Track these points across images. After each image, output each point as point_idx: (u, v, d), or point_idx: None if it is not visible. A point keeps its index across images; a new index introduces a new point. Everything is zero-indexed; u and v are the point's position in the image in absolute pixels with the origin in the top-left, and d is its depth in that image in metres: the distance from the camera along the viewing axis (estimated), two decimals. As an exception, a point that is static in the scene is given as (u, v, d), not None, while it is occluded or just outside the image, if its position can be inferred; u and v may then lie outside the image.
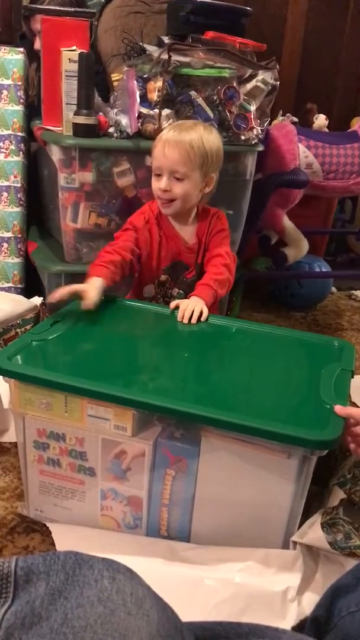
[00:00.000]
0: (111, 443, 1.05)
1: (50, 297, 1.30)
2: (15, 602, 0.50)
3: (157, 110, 1.63)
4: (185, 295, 1.47)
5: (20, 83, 1.90)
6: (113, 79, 1.79)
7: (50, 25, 1.71)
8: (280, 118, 2.47)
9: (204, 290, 1.39)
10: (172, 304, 1.36)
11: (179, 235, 1.49)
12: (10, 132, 1.92)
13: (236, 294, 2.16)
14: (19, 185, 1.96)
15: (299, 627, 0.89)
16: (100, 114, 1.69)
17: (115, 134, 1.67)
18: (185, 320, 1.29)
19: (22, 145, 1.95)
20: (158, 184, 1.40)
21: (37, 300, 1.67)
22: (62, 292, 1.27)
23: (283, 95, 2.48)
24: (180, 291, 1.52)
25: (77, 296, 1.28)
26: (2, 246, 1.97)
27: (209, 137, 1.40)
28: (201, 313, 1.31)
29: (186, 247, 1.49)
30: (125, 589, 0.52)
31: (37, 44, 1.90)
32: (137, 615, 0.50)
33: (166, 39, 1.78)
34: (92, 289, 1.29)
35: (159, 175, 1.40)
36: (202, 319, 1.31)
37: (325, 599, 0.80)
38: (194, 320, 1.30)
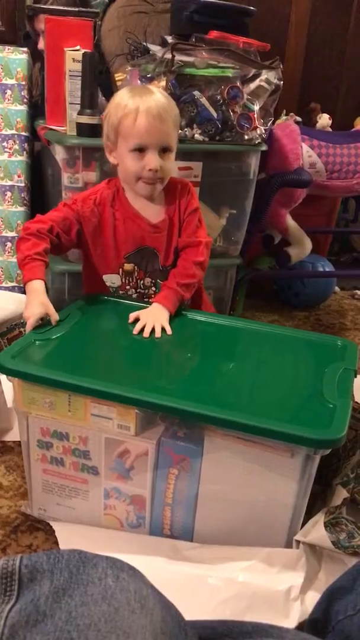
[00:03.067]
0: (114, 442, 1.06)
1: (26, 329, 1.19)
2: (20, 600, 0.50)
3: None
4: (158, 288, 1.38)
5: (24, 83, 1.90)
6: (117, 78, 1.79)
7: (54, 25, 1.71)
8: (283, 117, 2.47)
9: (170, 297, 1.27)
10: (132, 316, 1.23)
11: (140, 216, 1.33)
12: (14, 131, 1.92)
13: (239, 293, 2.16)
14: (22, 184, 1.96)
15: (299, 629, 0.89)
16: (104, 113, 1.69)
17: (118, 134, 1.67)
18: (146, 335, 1.19)
19: (26, 144, 1.95)
20: (143, 163, 1.24)
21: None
22: (31, 324, 1.16)
23: (286, 95, 2.48)
24: (158, 280, 1.38)
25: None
26: (6, 246, 1.97)
27: (167, 95, 1.29)
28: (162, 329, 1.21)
29: (151, 227, 1.33)
30: (129, 588, 0.52)
31: (41, 44, 1.90)
32: (141, 614, 0.51)
33: (170, 39, 1.77)
34: (47, 306, 1.18)
35: (141, 153, 1.24)
36: (167, 332, 1.21)
37: (322, 602, 0.80)
38: (157, 335, 1.19)
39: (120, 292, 1.41)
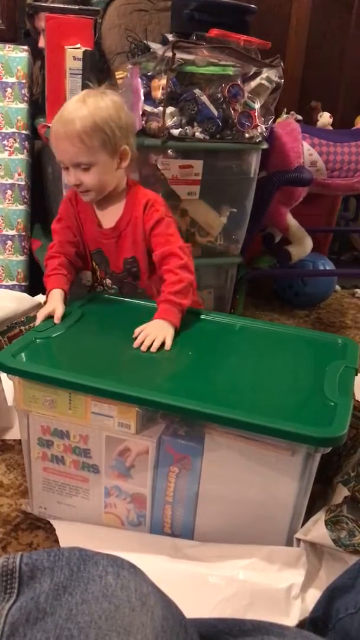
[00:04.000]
0: (115, 440, 1.06)
1: (35, 323, 1.25)
2: (20, 597, 0.50)
3: (161, 108, 1.63)
4: (120, 290, 1.41)
5: (24, 81, 1.90)
6: (117, 76, 1.79)
7: (54, 23, 1.71)
8: (284, 116, 2.47)
9: (168, 310, 1.23)
10: (137, 331, 1.20)
11: (95, 219, 1.36)
12: (14, 129, 1.92)
13: (240, 292, 2.15)
14: (23, 183, 1.96)
15: (300, 627, 0.89)
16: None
17: (119, 132, 1.67)
18: (144, 349, 1.16)
19: (27, 143, 1.95)
20: (68, 178, 1.27)
21: (41, 298, 1.67)
22: (40, 319, 1.24)
23: (287, 93, 2.48)
24: (114, 285, 1.42)
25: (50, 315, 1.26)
26: (7, 244, 1.97)
27: (100, 113, 1.21)
28: (163, 342, 1.18)
29: (101, 232, 1.35)
30: (129, 585, 0.52)
31: (42, 42, 1.90)
32: (141, 612, 0.50)
33: (170, 37, 1.77)
34: (58, 305, 1.26)
35: (66, 169, 1.27)
36: (166, 347, 1.18)
37: (322, 600, 0.80)
38: (153, 349, 1.16)
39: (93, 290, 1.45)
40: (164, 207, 1.34)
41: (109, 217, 1.35)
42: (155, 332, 1.19)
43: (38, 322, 1.24)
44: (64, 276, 1.33)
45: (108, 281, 1.43)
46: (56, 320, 1.23)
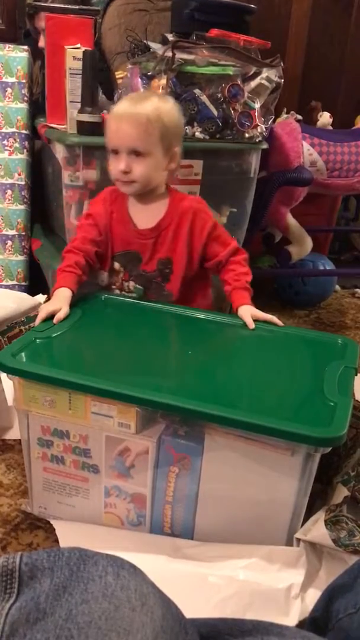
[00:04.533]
0: (115, 440, 1.06)
1: (35, 323, 1.23)
2: (20, 597, 0.50)
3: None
4: (144, 291, 1.40)
5: (24, 81, 1.90)
6: (117, 76, 1.79)
7: (54, 23, 1.71)
8: (284, 116, 2.46)
9: (248, 296, 1.36)
10: (250, 323, 1.28)
11: (130, 220, 1.37)
12: (14, 129, 1.92)
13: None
14: (23, 183, 1.96)
15: (299, 627, 0.89)
16: (105, 111, 1.68)
17: (119, 132, 1.67)
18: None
19: (27, 143, 1.95)
20: (116, 164, 1.27)
21: (41, 297, 1.67)
22: (41, 317, 1.22)
23: (287, 93, 2.48)
24: (137, 285, 1.41)
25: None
26: (7, 244, 1.97)
27: (165, 107, 1.28)
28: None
29: (136, 232, 1.36)
30: (129, 585, 0.52)
31: (42, 42, 1.90)
32: (141, 612, 0.50)
33: (170, 37, 1.77)
34: (64, 305, 1.24)
35: (116, 155, 1.27)
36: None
37: (322, 600, 0.80)
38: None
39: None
40: (209, 210, 1.40)
41: (147, 217, 1.36)
42: (254, 316, 1.30)
43: (40, 318, 1.22)
44: (77, 276, 1.31)
45: (131, 283, 1.41)
46: (55, 321, 1.21)
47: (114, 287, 1.44)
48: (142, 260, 1.38)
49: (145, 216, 1.37)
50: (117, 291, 1.43)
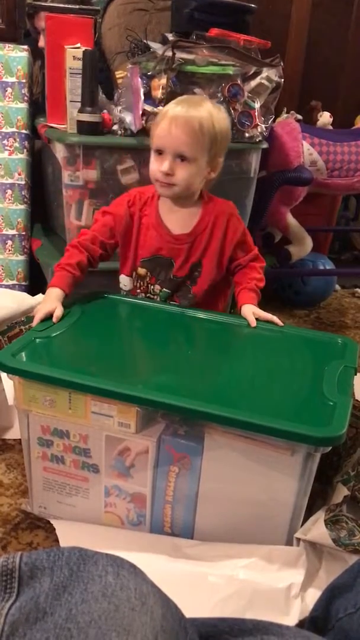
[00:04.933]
0: (115, 440, 1.06)
1: (32, 324, 1.23)
2: (20, 597, 0.50)
3: (161, 108, 1.63)
4: (171, 295, 1.39)
5: (24, 81, 1.90)
6: (117, 76, 1.79)
7: (54, 23, 1.71)
8: (284, 115, 2.46)
9: (255, 298, 1.36)
10: (252, 321, 1.29)
11: (163, 225, 1.35)
12: (14, 129, 1.92)
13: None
14: (23, 182, 1.96)
15: (300, 627, 0.89)
16: (105, 111, 1.69)
17: (119, 132, 1.67)
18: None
19: (27, 142, 1.95)
20: (159, 165, 1.26)
21: (41, 297, 1.67)
22: (39, 318, 1.21)
23: (287, 93, 2.48)
24: (165, 289, 1.39)
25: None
26: (7, 244, 1.97)
27: (218, 116, 1.27)
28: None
29: (171, 238, 1.35)
30: (129, 585, 0.52)
31: (42, 42, 1.90)
32: (141, 611, 0.50)
33: (170, 36, 1.77)
34: (58, 305, 1.24)
35: (160, 155, 1.26)
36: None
37: (322, 600, 0.80)
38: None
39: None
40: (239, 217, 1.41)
41: (182, 222, 1.35)
42: (256, 315, 1.31)
43: (36, 320, 1.21)
44: (74, 277, 1.31)
45: (157, 287, 1.40)
46: (55, 319, 1.21)
47: (138, 291, 1.43)
48: (173, 265, 1.37)
49: (180, 221, 1.35)
50: (142, 295, 1.43)
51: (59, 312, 1.23)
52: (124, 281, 1.43)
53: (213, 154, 1.28)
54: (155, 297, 1.41)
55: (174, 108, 1.25)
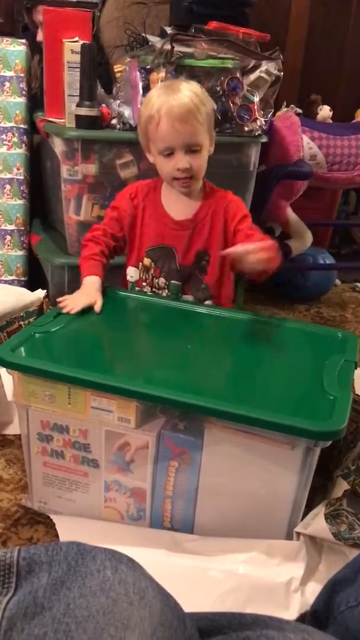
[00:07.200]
0: (115, 435, 1.05)
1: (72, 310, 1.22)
2: (18, 592, 0.50)
3: (141, 107, 1.63)
4: (181, 287, 1.38)
5: (22, 75, 1.89)
6: (115, 70, 1.78)
7: (52, 17, 1.70)
8: (284, 109, 2.45)
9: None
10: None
11: (165, 212, 1.35)
12: (12, 124, 1.91)
13: (240, 287, 2.15)
14: (22, 177, 1.95)
15: (301, 621, 0.89)
16: (103, 105, 1.68)
17: (118, 126, 1.67)
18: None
19: (25, 137, 1.94)
20: (173, 164, 1.25)
21: (40, 292, 1.67)
22: (76, 311, 1.21)
23: (287, 86, 2.47)
24: (173, 281, 1.38)
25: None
26: (6, 239, 1.97)
27: (197, 89, 1.25)
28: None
29: (173, 223, 1.34)
30: (127, 579, 0.52)
31: (40, 36, 1.90)
32: (139, 606, 0.50)
33: (169, 30, 1.77)
34: (97, 296, 1.26)
35: (170, 155, 1.24)
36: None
37: (324, 593, 0.80)
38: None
39: (136, 287, 1.42)
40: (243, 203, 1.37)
41: (183, 208, 1.34)
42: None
43: (76, 310, 1.21)
44: (102, 265, 1.32)
45: (161, 280, 1.39)
46: (97, 309, 1.23)
47: (144, 284, 1.42)
48: (175, 255, 1.36)
49: (181, 208, 1.35)
50: (147, 288, 1.41)
51: (100, 302, 1.24)
52: (130, 272, 1.43)
53: (209, 129, 1.27)
54: (163, 291, 1.40)
55: (163, 102, 1.21)
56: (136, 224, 1.38)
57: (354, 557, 0.83)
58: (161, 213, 1.35)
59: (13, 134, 1.92)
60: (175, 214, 1.35)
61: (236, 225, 1.33)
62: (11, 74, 1.88)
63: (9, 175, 1.94)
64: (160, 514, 1.10)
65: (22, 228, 1.98)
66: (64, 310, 1.22)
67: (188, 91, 1.22)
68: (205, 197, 1.35)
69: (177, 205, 1.35)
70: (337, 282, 2.64)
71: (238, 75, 1.70)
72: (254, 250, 1.16)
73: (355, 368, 1.13)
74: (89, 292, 1.27)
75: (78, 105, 1.63)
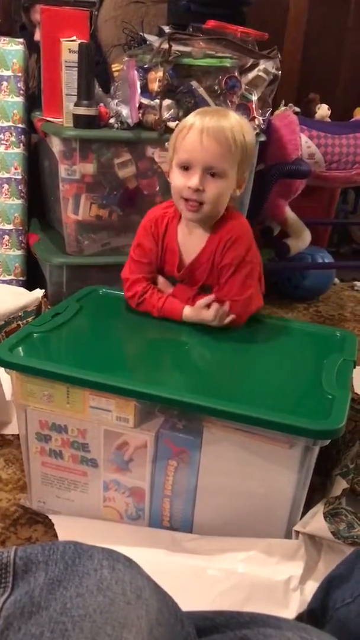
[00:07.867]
0: (113, 434, 1.05)
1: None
2: (15, 591, 0.50)
3: (158, 101, 1.63)
4: None
5: (20, 74, 1.89)
6: (113, 69, 1.78)
7: (49, 16, 1.70)
8: (282, 108, 2.45)
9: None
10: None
11: (179, 252, 1.27)
12: (10, 123, 1.91)
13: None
14: (19, 177, 1.95)
15: (299, 620, 0.89)
16: (101, 104, 1.68)
17: (116, 125, 1.67)
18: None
19: (23, 137, 1.94)
20: (186, 181, 1.15)
21: (38, 292, 1.67)
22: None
23: (285, 85, 2.46)
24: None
25: None
26: (4, 239, 1.97)
27: (247, 127, 1.18)
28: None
29: (182, 265, 1.27)
30: (124, 579, 0.52)
31: (37, 35, 1.89)
32: (136, 605, 0.50)
33: (167, 29, 1.77)
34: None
35: (187, 170, 1.15)
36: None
37: (320, 591, 0.80)
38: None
39: None
40: (248, 243, 1.24)
41: (192, 246, 1.25)
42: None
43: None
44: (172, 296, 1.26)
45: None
46: None
47: None
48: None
49: (190, 244, 1.26)
50: None
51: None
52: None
53: (242, 168, 1.18)
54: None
55: (202, 119, 1.13)
56: (159, 257, 1.29)
57: (348, 554, 0.83)
58: (176, 251, 1.27)
59: (11, 134, 1.92)
60: (185, 253, 1.26)
61: (220, 269, 1.24)
62: (9, 73, 1.88)
63: (6, 175, 1.94)
64: (159, 513, 1.10)
65: (20, 228, 1.98)
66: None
67: (233, 118, 1.16)
68: (214, 229, 1.23)
69: (189, 241, 1.26)
70: (336, 281, 2.64)
71: (236, 74, 1.70)
72: (208, 315, 1.20)
73: (354, 367, 1.13)
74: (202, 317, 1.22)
75: (76, 105, 1.63)
